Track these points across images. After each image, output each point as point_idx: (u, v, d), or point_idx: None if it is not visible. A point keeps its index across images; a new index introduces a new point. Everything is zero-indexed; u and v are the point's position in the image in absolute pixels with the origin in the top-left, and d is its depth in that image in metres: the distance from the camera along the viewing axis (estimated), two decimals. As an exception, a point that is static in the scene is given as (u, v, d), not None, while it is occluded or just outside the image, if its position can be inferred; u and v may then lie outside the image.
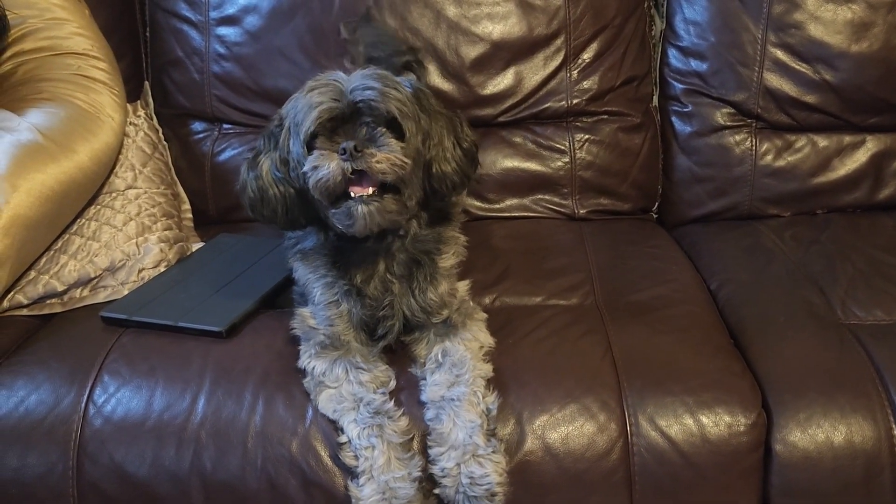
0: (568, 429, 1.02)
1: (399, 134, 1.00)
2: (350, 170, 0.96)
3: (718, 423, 1.01)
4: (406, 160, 0.98)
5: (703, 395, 1.04)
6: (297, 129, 1.01)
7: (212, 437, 1.03)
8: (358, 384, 1.01)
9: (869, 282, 1.25)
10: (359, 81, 1.01)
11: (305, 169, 0.99)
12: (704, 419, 1.02)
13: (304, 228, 1.11)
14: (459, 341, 1.05)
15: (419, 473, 0.96)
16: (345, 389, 1.01)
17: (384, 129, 0.99)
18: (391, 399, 1.02)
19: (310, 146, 1.00)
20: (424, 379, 1.04)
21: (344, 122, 1.00)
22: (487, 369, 1.03)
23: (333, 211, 1.00)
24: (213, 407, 1.05)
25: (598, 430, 1.02)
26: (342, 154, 0.96)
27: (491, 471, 0.94)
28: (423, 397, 1.02)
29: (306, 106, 1.00)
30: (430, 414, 1.00)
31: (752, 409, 1.03)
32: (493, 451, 0.95)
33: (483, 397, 0.99)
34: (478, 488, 0.93)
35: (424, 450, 0.99)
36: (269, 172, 1.05)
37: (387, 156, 0.97)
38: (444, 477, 0.95)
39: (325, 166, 0.97)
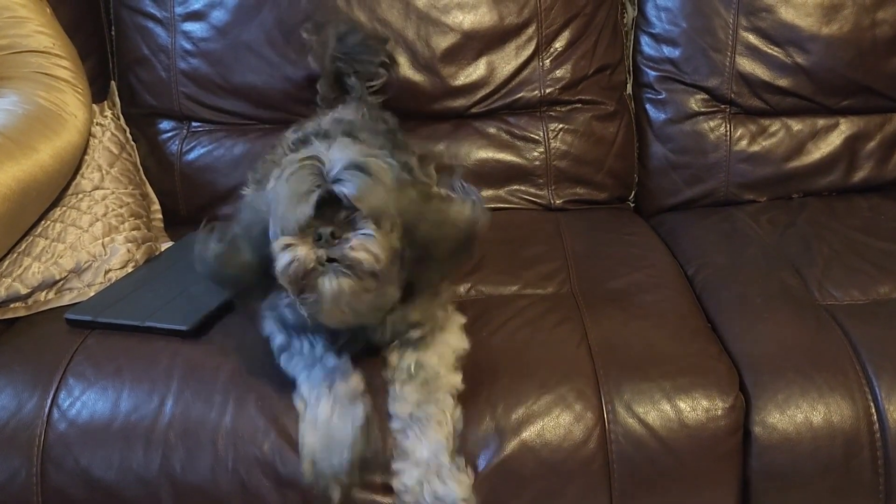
0: (544, 420, 1.00)
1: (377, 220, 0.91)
2: (325, 257, 0.88)
3: (696, 407, 1.00)
4: (386, 247, 0.89)
5: (680, 379, 1.02)
6: (279, 221, 0.92)
7: (181, 438, 1.01)
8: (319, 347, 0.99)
9: (845, 262, 1.25)
10: (339, 170, 0.90)
11: (275, 250, 0.90)
12: (682, 404, 1.00)
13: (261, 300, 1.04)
14: (433, 351, 1.01)
15: (360, 422, 0.93)
16: (305, 349, 0.99)
17: (365, 215, 0.90)
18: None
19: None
20: (393, 385, 1.00)
21: (321, 206, 0.90)
22: (457, 381, 0.99)
23: (301, 298, 0.92)
24: (181, 407, 1.02)
25: (574, 419, 1.00)
26: (318, 240, 0.88)
27: (454, 488, 0.92)
28: (391, 409, 0.99)
29: (286, 200, 0.91)
30: (396, 425, 0.97)
31: (729, 393, 1.02)
32: (458, 470, 0.93)
33: (451, 416, 0.96)
34: None
35: (367, 391, 0.97)
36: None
37: (363, 242, 0.88)
38: (404, 492, 0.93)
39: (296, 251, 0.89)
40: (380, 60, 1.40)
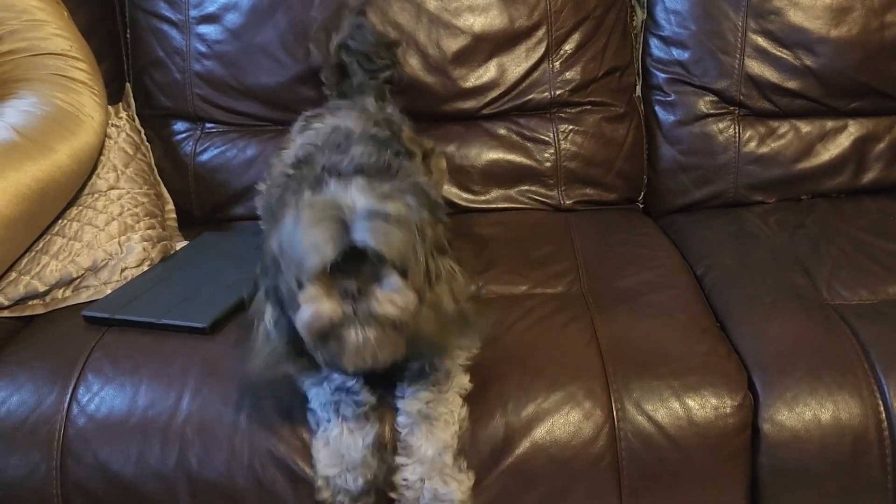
0: (554, 417, 1.01)
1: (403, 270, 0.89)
2: (352, 313, 0.86)
3: (705, 405, 1.01)
4: (411, 299, 0.87)
5: (689, 378, 1.03)
6: (295, 270, 0.89)
7: (197, 433, 1.02)
8: None
9: (854, 263, 1.26)
10: (361, 220, 0.87)
11: (300, 303, 0.87)
12: (691, 402, 1.01)
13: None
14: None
15: (371, 440, 0.94)
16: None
17: (389, 266, 0.87)
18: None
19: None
20: (402, 383, 1.01)
21: (344, 258, 0.87)
22: (465, 382, 1.00)
23: (322, 348, 0.90)
24: (198, 404, 1.04)
25: (583, 416, 1.01)
26: (344, 295, 0.86)
27: (455, 489, 0.93)
28: (398, 405, 1.00)
29: (307, 245, 0.87)
30: (403, 420, 0.98)
31: (738, 391, 1.03)
32: (460, 471, 0.94)
33: (458, 417, 0.97)
34: None
35: (382, 417, 0.98)
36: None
37: (391, 297, 0.86)
38: (406, 487, 0.94)
39: (321, 306, 0.86)
40: (385, 62, 1.41)
